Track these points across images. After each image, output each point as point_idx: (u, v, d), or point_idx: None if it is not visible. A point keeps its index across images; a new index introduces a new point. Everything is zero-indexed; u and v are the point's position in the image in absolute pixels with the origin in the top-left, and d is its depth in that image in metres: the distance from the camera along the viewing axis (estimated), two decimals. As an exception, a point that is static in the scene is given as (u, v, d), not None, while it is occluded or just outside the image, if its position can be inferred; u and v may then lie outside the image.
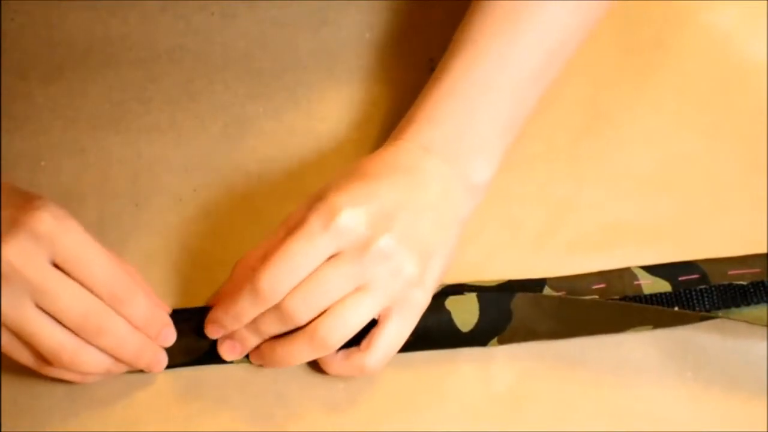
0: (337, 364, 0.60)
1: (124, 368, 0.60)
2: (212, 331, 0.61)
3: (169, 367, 0.61)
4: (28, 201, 0.57)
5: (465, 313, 0.62)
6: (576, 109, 0.69)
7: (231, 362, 0.62)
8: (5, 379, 0.61)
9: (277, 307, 0.58)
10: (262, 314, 0.59)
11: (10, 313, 0.55)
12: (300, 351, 0.59)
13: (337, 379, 0.62)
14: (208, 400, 0.61)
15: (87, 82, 0.70)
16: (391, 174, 0.60)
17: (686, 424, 0.61)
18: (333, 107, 0.71)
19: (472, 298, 0.63)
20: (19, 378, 0.61)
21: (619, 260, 0.65)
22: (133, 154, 0.68)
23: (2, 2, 0.73)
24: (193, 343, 0.62)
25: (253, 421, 0.60)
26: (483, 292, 0.63)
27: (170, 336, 0.61)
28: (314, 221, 0.57)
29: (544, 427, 0.61)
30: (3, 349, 0.57)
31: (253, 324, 0.59)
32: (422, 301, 0.59)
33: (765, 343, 0.63)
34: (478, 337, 0.62)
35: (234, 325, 0.60)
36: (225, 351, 0.61)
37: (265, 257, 0.58)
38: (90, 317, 0.56)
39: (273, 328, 0.59)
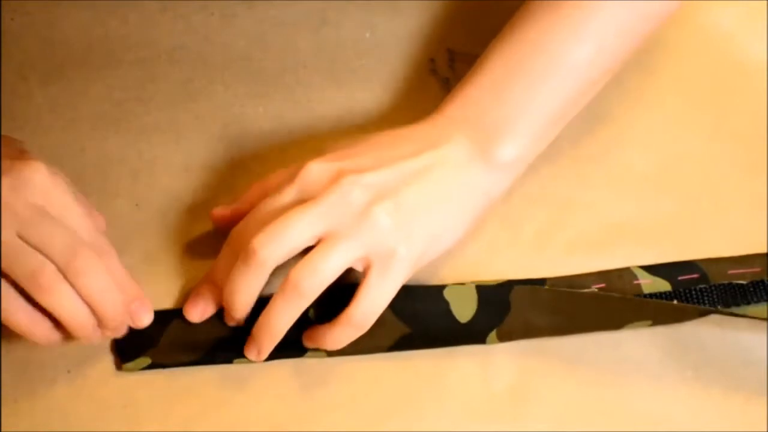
0: (328, 333, 0.59)
1: (86, 326, 0.58)
2: (228, 320, 0.62)
3: (169, 366, 0.61)
4: (23, 152, 0.59)
5: (463, 303, 0.62)
6: (576, 109, 0.69)
7: (231, 362, 0.62)
8: (5, 378, 0.61)
9: (245, 254, 0.58)
10: (236, 268, 0.59)
11: None
12: (279, 307, 0.58)
13: (337, 379, 0.62)
14: (208, 400, 0.61)
15: (87, 82, 0.70)
16: (389, 142, 0.61)
17: (686, 423, 0.61)
18: (333, 107, 0.71)
19: (470, 288, 0.63)
20: (19, 378, 0.61)
21: (619, 260, 0.65)
22: (133, 154, 0.68)
23: (2, 2, 0.73)
24: (193, 343, 0.62)
25: (253, 421, 0.60)
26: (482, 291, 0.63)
27: (143, 311, 0.61)
28: (282, 177, 0.60)
29: (543, 425, 0.61)
30: None
31: (230, 287, 0.59)
32: (404, 254, 0.58)
33: (765, 343, 0.64)
34: (476, 329, 0.62)
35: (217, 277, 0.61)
36: (190, 310, 0.62)
37: None
38: (77, 255, 0.56)
39: (241, 277, 0.59)
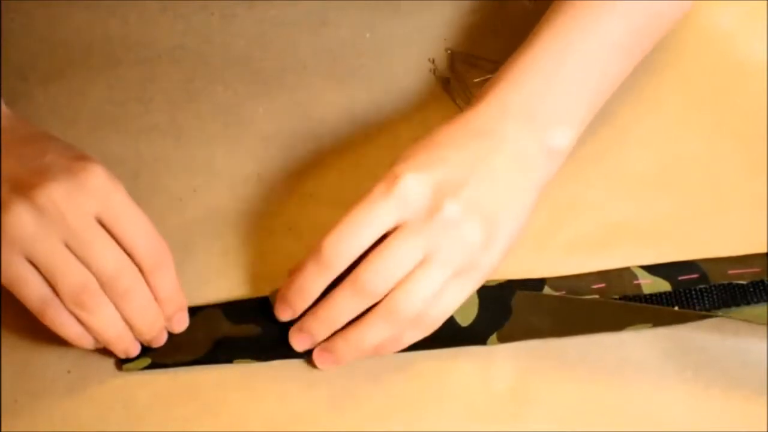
0: (404, 332, 0.59)
1: (124, 341, 0.59)
2: (281, 311, 0.61)
3: (169, 366, 0.61)
4: (82, 155, 0.58)
5: (464, 306, 0.62)
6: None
7: (231, 362, 0.62)
8: (5, 378, 0.61)
9: (351, 284, 0.58)
10: (335, 295, 0.58)
11: (40, 244, 0.55)
12: (375, 330, 0.59)
13: (337, 379, 0.61)
14: (208, 400, 0.61)
15: (87, 82, 0.70)
16: (462, 138, 0.60)
17: (686, 424, 0.61)
18: (333, 107, 0.71)
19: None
20: (19, 377, 0.61)
21: (619, 260, 0.65)
22: (133, 154, 0.68)
23: (2, 2, 0.73)
24: (193, 342, 0.62)
25: (253, 421, 0.60)
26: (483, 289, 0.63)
27: (183, 321, 0.61)
28: (377, 188, 0.58)
29: (544, 426, 0.61)
30: (9, 282, 0.56)
31: (326, 309, 0.59)
32: (488, 266, 0.59)
33: (765, 343, 0.63)
34: (477, 333, 0.62)
35: (299, 300, 0.60)
36: (296, 342, 0.61)
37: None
38: (121, 276, 0.57)
39: (347, 305, 0.58)
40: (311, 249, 0.58)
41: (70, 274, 0.56)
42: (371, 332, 0.59)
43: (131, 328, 0.59)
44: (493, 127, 0.60)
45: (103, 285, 0.57)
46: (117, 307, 0.58)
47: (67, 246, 0.56)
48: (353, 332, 0.59)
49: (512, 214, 0.60)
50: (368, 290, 0.57)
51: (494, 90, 0.62)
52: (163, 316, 0.60)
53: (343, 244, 0.57)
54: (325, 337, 0.60)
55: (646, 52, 0.66)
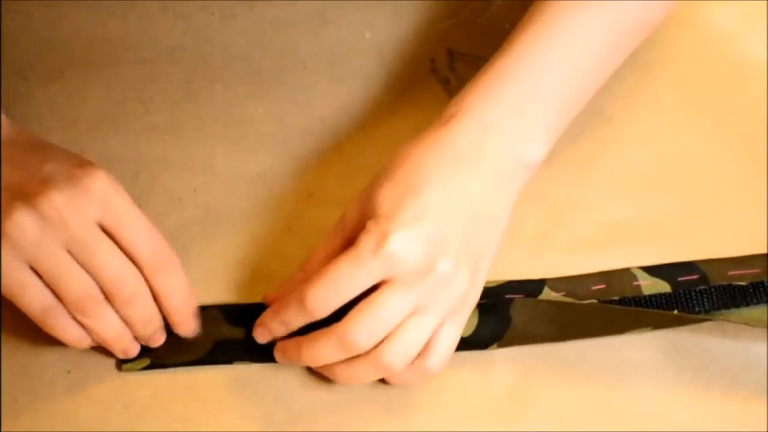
0: (402, 375, 0.59)
1: (126, 343, 0.60)
2: (259, 335, 0.61)
3: (169, 366, 0.61)
4: (84, 162, 0.58)
5: None
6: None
7: (231, 362, 0.62)
8: (5, 378, 0.61)
9: (338, 337, 0.57)
10: (320, 341, 0.58)
11: (42, 251, 0.55)
12: (365, 374, 0.59)
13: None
14: (208, 400, 0.61)
15: (87, 82, 0.70)
16: (440, 165, 0.58)
17: (686, 424, 0.61)
18: (333, 107, 0.71)
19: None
20: (19, 377, 0.61)
21: (619, 260, 0.65)
22: (133, 154, 0.68)
23: (2, 2, 0.73)
24: (193, 343, 0.62)
25: (253, 421, 0.60)
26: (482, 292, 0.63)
27: (195, 324, 0.61)
28: (364, 244, 0.56)
29: (543, 428, 0.61)
30: (10, 289, 0.56)
31: (310, 349, 0.59)
32: (473, 302, 0.59)
33: (765, 344, 0.63)
34: (478, 343, 0.63)
35: (280, 332, 0.60)
36: (279, 358, 0.61)
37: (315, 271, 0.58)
38: (126, 282, 0.57)
39: (332, 355, 0.58)
40: (296, 293, 0.58)
41: (74, 281, 0.56)
42: (362, 376, 0.59)
43: (133, 331, 0.59)
44: (471, 146, 0.59)
45: (106, 290, 0.57)
46: (120, 312, 0.58)
47: (70, 252, 0.56)
48: (342, 371, 0.59)
49: (492, 243, 0.60)
50: (354, 345, 0.57)
51: (471, 101, 0.60)
52: (175, 320, 0.60)
53: (328, 296, 0.57)
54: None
55: (627, 56, 0.66)
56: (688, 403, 0.62)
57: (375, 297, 0.57)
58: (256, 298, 0.63)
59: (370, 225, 0.57)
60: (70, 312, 0.57)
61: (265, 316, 0.61)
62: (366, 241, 0.56)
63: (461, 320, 0.59)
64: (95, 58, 0.71)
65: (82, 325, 0.58)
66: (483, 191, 0.59)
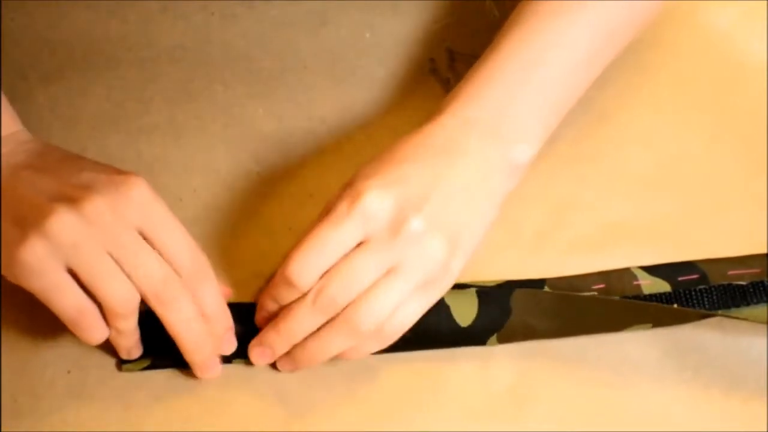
0: (366, 343, 0.59)
1: (131, 341, 0.60)
2: (260, 318, 0.61)
3: (169, 367, 0.61)
4: (122, 170, 0.58)
5: (464, 307, 0.62)
6: (576, 109, 0.69)
7: (231, 362, 0.62)
8: (5, 378, 0.61)
9: (313, 295, 0.58)
10: (295, 307, 0.58)
11: (84, 253, 0.55)
12: (333, 341, 0.59)
13: (337, 379, 0.62)
14: (208, 400, 0.61)
15: (87, 82, 0.70)
16: (424, 155, 0.60)
17: (686, 424, 0.61)
18: (333, 107, 0.71)
19: (471, 292, 0.63)
20: (19, 377, 0.61)
21: (619, 260, 0.65)
22: (133, 154, 0.68)
23: (2, 2, 0.73)
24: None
25: (254, 421, 0.60)
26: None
27: (232, 342, 0.61)
28: (340, 206, 0.58)
29: (543, 426, 0.61)
30: (44, 289, 0.55)
31: (286, 321, 0.59)
32: (448, 281, 0.59)
33: (765, 343, 0.64)
34: (477, 333, 0.62)
35: (274, 309, 0.60)
36: (255, 357, 0.61)
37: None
38: (168, 285, 0.57)
39: (307, 320, 0.58)
40: (281, 265, 0.58)
41: (116, 284, 0.56)
42: (330, 344, 0.59)
43: (178, 341, 0.59)
44: (455, 142, 0.60)
45: (146, 295, 0.56)
46: (163, 318, 0.57)
47: (111, 256, 0.56)
48: (312, 342, 0.59)
49: (473, 230, 0.60)
50: (328, 303, 0.57)
51: (457, 101, 0.61)
52: (211, 336, 0.60)
53: (309, 263, 0.57)
54: (284, 352, 0.61)
55: (615, 56, 0.66)
56: (688, 401, 0.62)
57: (350, 254, 0.57)
58: (256, 298, 0.63)
59: (347, 190, 0.58)
60: (106, 317, 0.57)
61: (260, 298, 0.61)
62: (341, 204, 0.58)
63: (433, 295, 0.59)
64: (95, 58, 0.71)
65: (116, 329, 0.57)
66: (466, 183, 0.59)
